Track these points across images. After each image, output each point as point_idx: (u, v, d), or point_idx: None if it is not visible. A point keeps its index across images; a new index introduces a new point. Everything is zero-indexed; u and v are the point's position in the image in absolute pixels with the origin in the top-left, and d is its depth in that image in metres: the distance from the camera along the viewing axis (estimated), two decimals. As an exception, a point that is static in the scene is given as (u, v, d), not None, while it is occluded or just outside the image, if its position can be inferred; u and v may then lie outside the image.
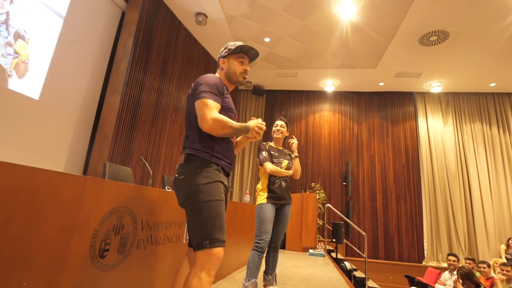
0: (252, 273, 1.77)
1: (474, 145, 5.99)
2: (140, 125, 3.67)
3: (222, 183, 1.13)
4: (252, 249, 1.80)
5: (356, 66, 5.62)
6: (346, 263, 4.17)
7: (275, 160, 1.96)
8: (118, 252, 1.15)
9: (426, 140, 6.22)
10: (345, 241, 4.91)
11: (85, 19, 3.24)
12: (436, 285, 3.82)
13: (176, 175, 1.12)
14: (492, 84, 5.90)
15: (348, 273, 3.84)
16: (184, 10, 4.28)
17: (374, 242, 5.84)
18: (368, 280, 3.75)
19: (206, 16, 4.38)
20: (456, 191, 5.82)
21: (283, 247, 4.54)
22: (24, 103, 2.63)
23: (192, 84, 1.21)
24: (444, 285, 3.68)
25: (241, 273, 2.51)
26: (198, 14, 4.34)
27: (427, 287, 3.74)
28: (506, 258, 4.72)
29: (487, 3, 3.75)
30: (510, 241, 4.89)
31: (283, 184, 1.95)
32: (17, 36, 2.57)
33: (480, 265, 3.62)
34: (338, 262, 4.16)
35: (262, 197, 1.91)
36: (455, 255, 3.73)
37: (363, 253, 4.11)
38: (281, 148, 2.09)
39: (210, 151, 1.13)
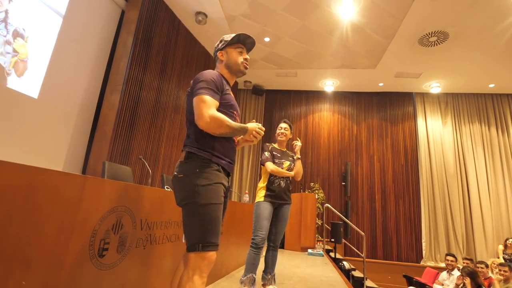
0: (248, 269, 1.81)
1: (473, 146, 6.01)
2: (140, 124, 3.66)
3: (222, 184, 1.10)
4: (250, 246, 1.84)
5: (355, 66, 5.62)
6: (344, 263, 4.18)
7: (277, 161, 2.01)
8: (117, 251, 1.15)
9: (425, 140, 6.24)
10: (343, 241, 4.92)
11: (84, 17, 3.23)
12: (434, 285, 3.84)
13: (175, 173, 1.09)
14: (491, 85, 5.92)
15: (346, 273, 3.85)
16: (184, 9, 4.28)
17: (373, 242, 5.86)
18: (366, 280, 3.76)
19: (206, 16, 4.37)
20: (455, 192, 5.84)
21: (282, 246, 4.55)
22: (23, 102, 2.62)
23: (191, 81, 1.18)
24: (442, 285, 3.70)
25: (240, 272, 2.51)
26: (198, 13, 4.34)
27: (425, 287, 3.76)
28: (504, 258, 4.74)
29: (487, 4, 3.76)
30: (507, 242, 4.91)
31: (283, 184, 1.99)
32: (16, 34, 2.56)
33: (478, 265, 3.64)
34: (336, 262, 4.17)
35: (260, 195, 1.95)
36: (453, 255, 3.75)
37: (362, 253, 4.13)
38: (285, 150, 2.14)
39: (211, 150, 1.10)
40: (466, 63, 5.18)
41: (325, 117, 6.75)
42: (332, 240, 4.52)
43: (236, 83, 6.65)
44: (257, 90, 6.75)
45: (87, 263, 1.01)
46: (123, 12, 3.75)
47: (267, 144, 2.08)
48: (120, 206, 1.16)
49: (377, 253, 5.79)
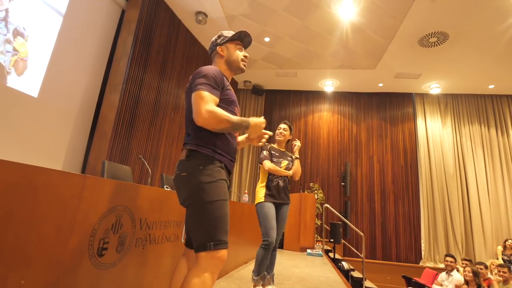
0: (261, 268, 1.86)
1: (473, 146, 6.02)
2: (139, 124, 3.66)
3: (225, 181, 1.08)
4: (261, 246, 1.87)
5: (355, 66, 5.63)
6: (343, 263, 4.18)
7: (275, 160, 2.02)
8: (116, 251, 1.15)
9: (425, 141, 6.25)
10: (343, 241, 4.93)
11: (84, 17, 3.23)
12: (433, 285, 3.84)
13: (177, 172, 1.06)
14: (491, 86, 5.93)
15: (345, 273, 3.86)
16: (184, 9, 4.28)
17: (372, 243, 5.86)
18: (365, 280, 3.77)
19: (206, 15, 4.37)
20: (454, 193, 5.84)
21: (281, 246, 4.55)
22: (23, 101, 2.62)
23: (190, 77, 1.13)
24: (441, 285, 3.71)
25: (239, 272, 2.52)
26: (198, 13, 4.34)
27: (424, 288, 3.76)
28: (503, 259, 4.75)
29: (487, 5, 3.77)
30: (506, 243, 4.92)
31: (281, 183, 2.00)
32: (16, 33, 2.56)
33: (477, 266, 3.64)
34: (335, 262, 4.17)
35: (260, 195, 1.96)
36: (452, 256, 3.75)
37: (361, 253, 4.13)
38: (284, 150, 2.16)
39: (213, 147, 1.06)
40: (466, 64, 5.19)
41: (325, 117, 6.76)
42: (331, 240, 4.52)
43: (236, 83, 6.65)
44: (256, 90, 6.75)
45: (86, 263, 1.01)
46: (123, 12, 3.75)
47: (266, 143, 2.07)
48: (119, 206, 1.16)
49: (376, 253, 5.80)
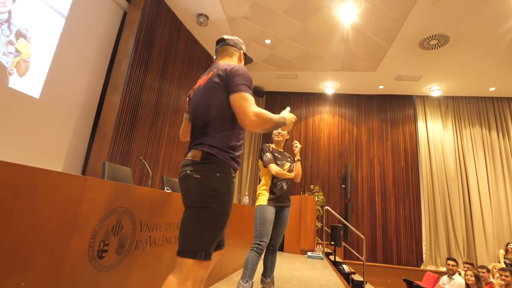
0: (250, 274, 1.76)
1: (474, 149, 6.01)
2: (140, 125, 3.67)
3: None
4: (252, 249, 1.78)
5: (356, 68, 5.64)
6: (344, 266, 4.16)
7: (279, 162, 1.97)
8: (116, 253, 1.15)
9: (426, 143, 6.24)
10: (343, 244, 4.90)
11: (86, 18, 3.25)
12: (434, 289, 3.81)
13: (189, 172, 0.98)
14: (492, 89, 5.92)
15: (346, 276, 3.83)
16: (186, 11, 4.30)
17: (373, 245, 5.83)
18: (366, 283, 3.75)
19: (207, 17, 4.39)
20: (455, 195, 5.82)
21: (282, 249, 4.53)
22: (25, 102, 2.63)
23: (220, 72, 1.04)
24: (442, 289, 3.68)
25: (239, 275, 2.50)
26: (200, 15, 4.36)
27: (425, 291, 3.73)
28: (505, 263, 4.71)
29: (487, 8, 3.78)
30: (508, 246, 4.88)
31: (285, 186, 1.97)
32: (19, 34, 2.57)
33: (479, 269, 3.62)
34: (336, 265, 4.15)
35: (263, 198, 1.90)
36: (454, 260, 3.72)
37: (362, 256, 4.11)
38: (282, 150, 2.12)
39: (231, 152, 1.03)
40: (467, 66, 5.19)
41: (325, 119, 6.76)
42: (332, 243, 4.50)
43: (237, 85, 6.65)
44: (257, 92, 6.76)
45: (86, 265, 1.01)
46: (125, 14, 3.77)
47: (267, 144, 2.05)
48: (120, 207, 1.16)
49: (377, 256, 5.77)
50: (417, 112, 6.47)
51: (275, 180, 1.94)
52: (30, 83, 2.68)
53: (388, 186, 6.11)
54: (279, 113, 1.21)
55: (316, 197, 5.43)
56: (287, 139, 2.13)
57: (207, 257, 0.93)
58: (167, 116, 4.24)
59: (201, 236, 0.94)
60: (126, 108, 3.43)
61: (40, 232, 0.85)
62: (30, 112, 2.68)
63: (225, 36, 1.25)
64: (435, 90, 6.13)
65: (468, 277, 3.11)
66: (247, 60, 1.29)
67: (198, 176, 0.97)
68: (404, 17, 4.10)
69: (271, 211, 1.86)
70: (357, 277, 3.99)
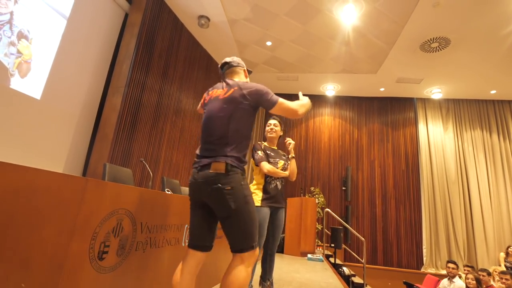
0: (251, 276, 1.75)
1: (474, 152, 6.00)
2: (141, 127, 3.67)
3: None
4: None
5: (357, 71, 5.64)
6: (344, 268, 4.14)
7: (271, 160, 1.89)
8: (117, 254, 1.15)
9: (426, 146, 6.23)
10: (343, 246, 4.88)
11: (88, 20, 3.26)
12: (435, 292, 3.79)
13: (220, 186, 1.14)
14: (493, 92, 5.93)
15: (346, 279, 3.82)
16: (187, 12, 4.32)
17: (373, 248, 5.81)
18: (366, 286, 3.73)
19: (208, 19, 4.41)
20: (456, 198, 5.80)
21: (282, 251, 4.52)
22: (26, 103, 2.64)
23: (245, 92, 1.25)
24: (443, 292, 3.66)
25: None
26: (201, 17, 4.37)
27: (426, 294, 3.71)
28: (506, 266, 4.69)
29: (489, 11, 3.79)
30: (509, 249, 4.86)
31: (279, 185, 1.89)
32: (21, 36, 2.59)
33: (480, 272, 3.60)
34: (336, 267, 4.13)
35: (256, 199, 1.82)
36: (454, 263, 3.71)
37: (362, 259, 4.09)
38: (276, 147, 2.03)
39: (244, 161, 1.24)
40: (468, 69, 5.20)
41: (326, 121, 6.76)
42: (332, 245, 4.48)
43: (237, 86, 6.66)
44: (258, 94, 6.77)
45: (87, 266, 1.01)
46: (126, 15, 3.79)
47: (259, 142, 1.97)
48: (120, 209, 1.16)
49: (377, 259, 5.74)
50: (418, 115, 6.46)
51: (268, 178, 1.86)
52: (32, 84, 2.69)
53: (389, 188, 6.10)
54: (279, 116, 1.48)
55: (317, 199, 5.42)
56: (280, 136, 2.04)
57: (256, 246, 1.20)
58: (168, 117, 4.24)
59: (248, 234, 1.17)
60: (127, 109, 3.43)
61: (41, 233, 0.85)
62: (31, 113, 2.69)
63: (227, 59, 1.44)
64: (436, 92, 6.13)
65: (469, 280, 3.10)
66: (249, 72, 1.51)
67: (229, 188, 1.15)
68: (405, 20, 4.11)
69: (266, 213, 1.79)
70: (357, 280, 3.97)
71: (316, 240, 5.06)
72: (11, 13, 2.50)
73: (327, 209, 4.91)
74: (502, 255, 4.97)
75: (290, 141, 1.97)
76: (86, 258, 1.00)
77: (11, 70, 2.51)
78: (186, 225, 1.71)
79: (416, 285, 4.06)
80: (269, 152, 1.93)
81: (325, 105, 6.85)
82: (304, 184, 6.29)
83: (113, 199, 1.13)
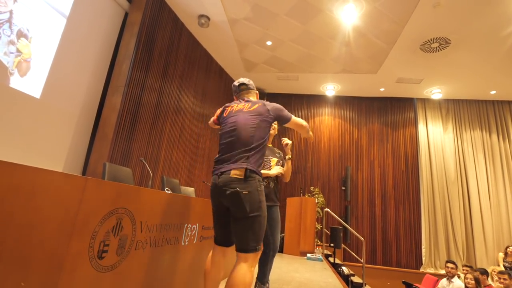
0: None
1: (474, 152, 6.01)
2: (141, 126, 3.67)
3: None
4: None
5: (357, 71, 5.65)
6: (343, 268, 4.15)
7: (264, 158, 1.87)
8: (116, 253, 1.15)
9: (426, 146, 6.24)
10: (343, 246, 4.89)
11: (88, 19, 3.26)
12: (434, 292, 3.80)
13: (238, 189, 1.27)
14: (493, 92, 5.93)
15: (345, 278, 3.82)
16: (187, 12, 4.31)
17: (372, 248, 5.82)
18: (365, 285, 3.74)
19: (208, 19, 4.40)
20: (455, 198, 5.82)
21: (281, 251, 4.52)
22: (25, 102, 2.63)
23: (269, 108, 1.47)
24: (442, 292, 3.67)
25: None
26: (201, 16, 4.37)
27: (425, 294, 3.72)
28: (504, 266, 4.71)
29: (489, 12, 3.79)
30: (508, 249, 4.88)
31: (272, 184, 1.87)
32: (20, 34, 2.58)
33: (477, 272, 3.60)
34: (335, 267, 4.14)
35: None
36: (453, 263, 3.72)
37: (361, 258, 4.10)
38: (271, 145, 2.01)
39: (260, 170, 1.38)
40: (468, 70, 5.20)
41: (326, 121, 6.76)
42: (332, 245, 4.49)
43: (237, 86, 6.66)
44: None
45: (86, 265, 1.00)
46: (126, 14, 3.78)
47: None
48: (120, 208, 1.16)
49: (376, 258, 5.75)
50: (417, 115, 6.47)
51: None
52: (31, 83, 2.69)
53: (388, 188, 6.11)
54: None
55: (316, 199, 5.42)
56: (275, 135, 2.04)
57: (259, 248, 1.31)
58: (167, 117, 4.24)
59: (256, 237, 1.28)
60: (127, 109, 3.43)
61: (41, 232, 0.85)
62: (30, 112, 2.68)
63: (244, 81, 1.63)
64: (436, 93, 6.14)
65: (468, 280, 3.11)
66: (261, 95, 1.83)
67: (246, 192, 1.27)
68: (406, 20, 4.11)
69: None
70: (356, 279, 3.98)
71: (316, 240, 5.07)
72: (11, 12, 2.49)
73: (326, 209, 4.91)
74: (501, 255, 4.98)
75: (286, 141, 1.94)
76: (86, 257, 1.00)
77: (10, 69, 2.51)
78: (186, 225, 1.71)
79: (415, 285, 4.07)
80: None
81: (325, 105, 6.85)
82: (304, 184, 6.30)
83: (113, 198, 1.13)
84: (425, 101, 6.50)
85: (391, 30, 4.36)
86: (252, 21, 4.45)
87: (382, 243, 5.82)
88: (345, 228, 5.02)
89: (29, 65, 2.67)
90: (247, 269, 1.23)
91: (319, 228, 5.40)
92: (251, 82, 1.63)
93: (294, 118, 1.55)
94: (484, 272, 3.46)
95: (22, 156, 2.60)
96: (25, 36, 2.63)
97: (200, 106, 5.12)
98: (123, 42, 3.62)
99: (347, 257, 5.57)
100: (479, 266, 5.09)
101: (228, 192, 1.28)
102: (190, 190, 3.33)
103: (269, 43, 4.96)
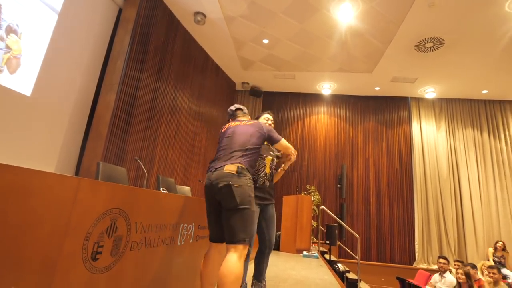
0: (242, 277, 1.74)
1: (466, 150, 6.12)
2: (135, 124, 3.62)
3: None
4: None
5: (353, 70, 5.67)
6: (339, 265, 4.20)
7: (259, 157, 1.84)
8: (111, 254, 1.13)
9: (420, 144, 6.33)
10: (338, 243, 4.95)
11: (80, 14, 3.19)
12: (426, 287, 3.88)
13: (230, 183, 1.37)
14: (484, 91, 6.04)
15: (341, 275, 3.87)
16: (183, 8, 4.26)
17: (367, 244, 5.90)
18: (360, 281, 3.79)
19: (204, 16, 4.36)
20: (447, 196, 5.93)
21: (277, 248, 4.55)
22: (16, 100, 2.57)
23: (263, 127, 1.64)
24: (434, 287, 3.75)
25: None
26: (197, 13, 4.32)
27: (418, 290, 3.79)
28: (494, 260, 4.83)
29: (483, 13, 3.84)
30: (497, 244, 5.01)
31: (267, 183, 1.88)
32: (9, 30, 2.51)
33: (467, 267, 3.68)
34: (331, 263, 4.19)
35: None
36: (445, 258, 3.80)
37: (356, 255, 4.15)
38: (266, 142, 1.98)
39: (253, 169, 1.56)
40: (461, 69, 5.28)
41: (322, 119, 6.79)
42: (327, 242, 4.54)
43: (233, 84, 6.64)
44: (254, 92, 6.75)
45: (80, 267, 0.99)
46: (120, 10, 3.71)
47: None
48: (114, 209, 1.14)
49: (371, 255, 5.84)
50: (411, 114, 6.55)
51: (255, 176, 1.83)
52: (21, 81, 2.62)
53: (383, 186, 6.19)
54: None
55: (312, 197, 5.46)
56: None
57: (249, 241, 1.37)
58: (163, 115, 4.20)
59: (246, 229, 1.34)
60: (121, 107, 3.38)
61: (34, 234, 0.84)
62: (21, 110, 2.62)
63: (241, 107, 1.81)
64: (430, 92, 6.22)
65: (459, 275, 3.18)
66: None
67: (238, 186, 1.37)
68: (401, 20, 4.14)
69: (257, 211, 1.76)
70: (351, 275, 4.04)
71: (312, 237, 5.11)
72: None
73: (322, 207, 4.95)
74: (491, 250, 5.11)
75: (292, 157, 1.85)
76: (79, 258, 0.99)
77: (0, 65, 2.44)
78: (182, 224, 1.70)
79: (409, 280, 4.15)
80: None
81: (321, 103, 6.88)
82: (300, 182, 6.33)
83: (107, 198, 1.11)
84: (419, 100, 6.58)
85: (387, 30, 4.39)
86: (249, 19, 4.42)
87: (377, 240, 5.90)
88: (340, 226, 5.07)
89: (19, 61, 2.60)
90: (237, 259, 1.28)
91: (315, 225, 5.45)
92: (244, 108, 1.84)
93: (283, 141, 1.69)
94: (473, 267, 3.55)
95: (12, 156, 2.54)
96: (15, 32, 2.55)
97: (196, 104, 5.08)
98: (117, 39, 3.56)
99: (342, 254, 5.64)
100: (470, 261, 5.21)
101: (220, 185, 1.37)
102: (186, 189, 3.31)
103: (266, 41, 4.94)
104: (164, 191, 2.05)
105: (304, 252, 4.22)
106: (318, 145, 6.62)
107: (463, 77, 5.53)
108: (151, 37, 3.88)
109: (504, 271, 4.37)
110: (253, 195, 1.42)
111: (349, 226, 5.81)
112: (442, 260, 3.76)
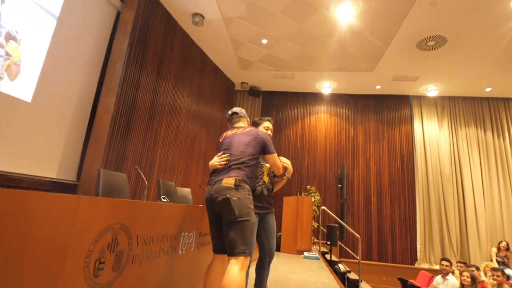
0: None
1: (469, 149, 6.07)
2: (135, 128, 3.62)
3: None
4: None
5: (353, 69, 5.63)
6: (340, 265, 4.21)
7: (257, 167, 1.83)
8: (113, 269, 1.14)
9: (421, 143, 6.29)
10: (339, 243, 4.95)
11: (79, 19, 3.17)
12: (428, 288, 3.89)
13: (228, 196, 1.41)
14: (488, 89, 5.97)
15: (342, 275, 3.88)
16: (181, 10, 4.22)
17: (368, 244, 5.91)
18: (361, 281, 3.80)
19: (203, 17, 4.32)
20: (450, 195, 5.90)
21: (278, 249, 4.57)
22: (16, 106, 2.57)
23: (259, 136, 1.64)
24: (436, 288, 3.75)
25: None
26: (195, 14, 4.29)
27: (419, 291, 3.80)
28: (497, 261, 4.82)
29: (485, 11, 3.78)
30: (501, 244, 4.99)
31: (265, 192, 1.83)
32: (9, 37, 2.50)
33: (470, 269, 3.68)
34: (332, 264, 4.20)
35: None
36: (448, 260, 3.79)
37: (357, 255, 4.16)
38: None
39: (251, 181, 1.56)
40: (464, 67, 5.22)
41: (322, 119, 6.76)
42: (328, 242, 4.54)
43: (233, 84, 6.62)
44: (254, 92, 6.72)
45: (82, 285, 0.99)
46: (118, 13, 3.69)
47: None
48: (115, 224, 1.14)
49: (372, 255, 5.85)
50: (413, 112, 6.50)
51: (254, 184, 1.79)
52: (22, 87, 2.62)
53: (384, 186, 6.17)
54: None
55: (313, 198, 5.46)
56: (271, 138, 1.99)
57: (250, 253, 1.40)
58: (163, 117, 4.19)
59: (245, 240, 1.37)
60: (121, 110, 3.38)
61: (34, 255, 0.84)
62: (22, 116, 2.62)
63: (237, 110, 1.80)
64: (432, 90, 6.16)
65: (465, 277, 3.17)
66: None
67: (235, 199, 1.41)
68: (402, 19, 4.08)
69: (256, 221, 1.70)
70: (352, 276, 4.05)
71: (312, 238, 5.12)
72: (-2, 13, 2.41)
73: (323, 207, 4.95)
74: (494, 250, 5.09)
75: (286, 165, 1.82)
76: (81, 276, 0.99)
77: (0, 72, 2.44)
78: (183, 233, 1.70)
79: (410, 281, 4.15)
80: None
81: (321, 103, 6.84)
82: (300, 183, 6.33)
83: (107, 214, 1.11)
84: (421, 99, 6.53)
85: (387, 29, 4.34)
86: (247, 20, 4.38)
87: (378, 240, 5.91)
88: (341, 226, 5.07)
89: (19, 68, 2.60)
90: (238, 272, 1.31)
91: (315, 226, 5.46)
92: (243, 110, 1.83)
93: (275, 156, 1.68)
94: (477, 269, 3.54)
95: (13, 162, 2.55)
96: (14, 39, 2.55)
97: (195, 105, 5.07)
98: (116, 42, 3.54)
99: (343, 254, 5.65)
100: (472, 261, 5.21)
101: (219, 199, 1.42)
102: (187, 191, 3.31)
103: (264, 41, 4.90)
104: (165, 200, 2.05)
105: (305, 253, 4.23)
106: (318, 144, 6.60)
107: (466, 74, 5.47)
108: (150, 40, 3.86)
109: (508, 271, 4.37)
110: (252, 206, 1.44)
111: (350, 226, 5.81)
112: (444, 263, 3.75)
